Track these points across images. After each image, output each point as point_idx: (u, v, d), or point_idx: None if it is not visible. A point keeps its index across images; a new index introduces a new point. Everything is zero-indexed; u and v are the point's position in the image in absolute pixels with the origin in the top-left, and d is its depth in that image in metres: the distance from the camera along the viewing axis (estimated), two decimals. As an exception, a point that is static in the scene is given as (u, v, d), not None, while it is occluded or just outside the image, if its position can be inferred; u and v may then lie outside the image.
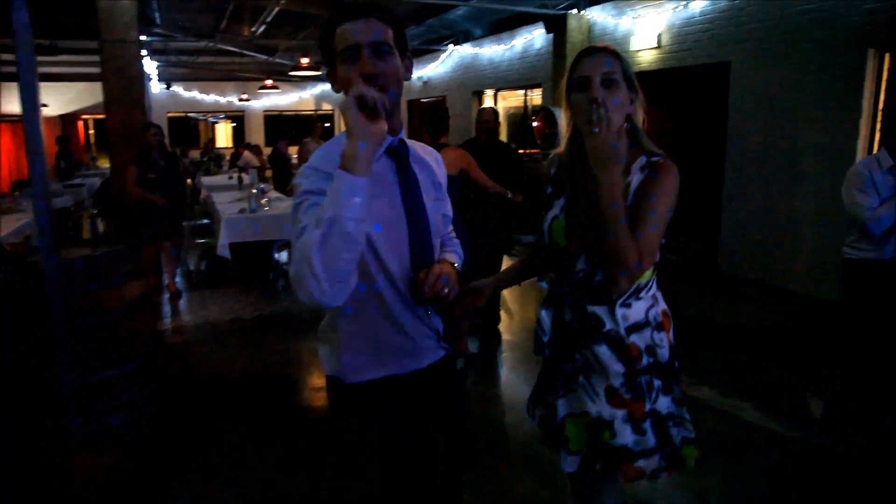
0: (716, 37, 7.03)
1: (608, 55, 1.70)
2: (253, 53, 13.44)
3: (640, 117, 1.75)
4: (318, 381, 4.51)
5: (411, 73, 1.60)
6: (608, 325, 1.71)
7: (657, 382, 1.73)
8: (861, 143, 5.70)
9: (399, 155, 1.60)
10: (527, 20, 10.25)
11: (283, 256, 6.93)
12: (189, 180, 11.21)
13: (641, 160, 1.71)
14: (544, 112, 9.29)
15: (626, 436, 1.71)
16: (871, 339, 3.28)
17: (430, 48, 13.83)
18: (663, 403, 1.74)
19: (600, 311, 1.71)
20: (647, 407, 1.71)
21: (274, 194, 7.76)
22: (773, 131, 6.43)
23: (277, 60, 14.14)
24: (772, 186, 6.48)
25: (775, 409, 3.85)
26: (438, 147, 4.21)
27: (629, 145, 1.73)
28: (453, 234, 1.85)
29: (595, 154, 1.59)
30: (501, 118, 12.77)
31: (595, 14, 8.86)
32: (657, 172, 1.67)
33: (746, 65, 6.67)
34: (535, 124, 9.53)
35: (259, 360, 4.82)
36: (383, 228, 1.50)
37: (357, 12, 1.50)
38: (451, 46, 13.31)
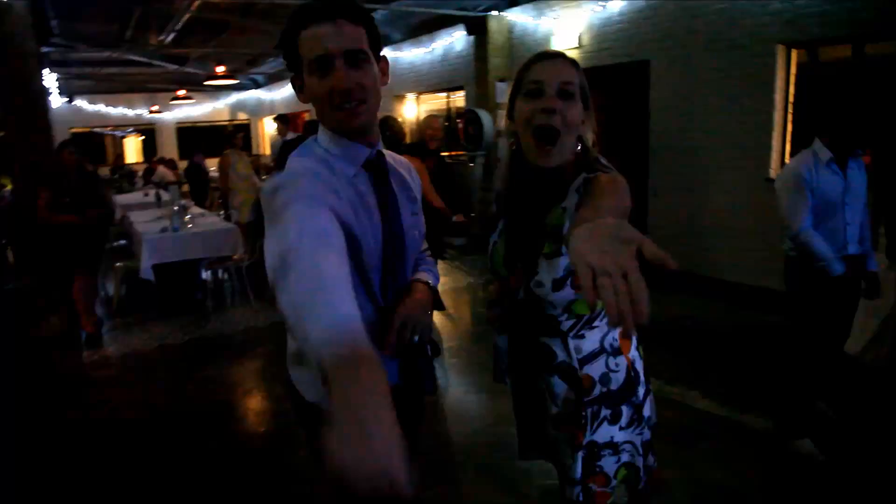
0: (634, 36, 7.22)
1: (568, 63, 1.54)
2: (162, 63, 12.89)
3: (590, 139, 1.57)
4: (257, 406, 4.32)
5: (388, 76, 1.47)
6: (560, 357, 1.62)
7: (605, 412, 1.64)
8: (776, 136, 5.98)
9: (377, 169, 1.48)
10: (447, 23, 10.25)
11: (209, 275, 6.64)
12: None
13: (579, 180, 1.53)
14: (469, 114, 9.32)
15: (565, 457, 1.68)
16: (815, 332, 3.33)
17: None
18: (604, 433, 1.65)
19: (551, 342, 1.62)
20: (586, 438, 1.64)
21: (196, 210, 7.43)
22: (692, 126, 6.66)
23: (189, 70, 13.61)
24: (694, 180, 6.71)
25: (721, 395, 3.97)
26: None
27: (575, 162, 1.57)
28: (428, 252, 1.74)
29: None
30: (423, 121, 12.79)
31: (516, 15, 8.95)
32: (592, 190, 1.43)
33: (665, 63, 6.88)
34: (459, 126, 9.55)
35: (193, 388, 4.57)
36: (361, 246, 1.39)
37: (325, 13, 1.33)
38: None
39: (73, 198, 5.36)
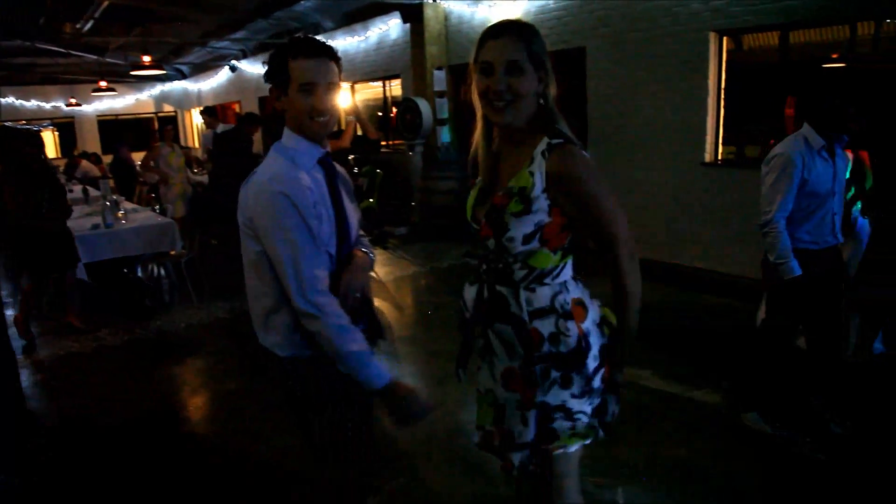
0: (570, 24, 7.32)
1: (512, 39, 1.63)
2: (80, 53, 12.23)
3: (551, 95, 1.70)
4: (205, 405, 4.19)
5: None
6: (513, 307, 1.72)
7: (555, 374, 1.71)
8: (710, 121, 6.18)
9: (328, 166, 1.86)
10: (381, 10, 10.12)
11: (147, 272, 6.36)
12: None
13: (542, 144, 1.68)
14: (407, 103, 9.25)
15: (513, 422, 1.77)
16: (807, 330, 3.22)
17: (279, 42, 13.29)
18: (556, 396, 1.72)
19: (506, 291, 1.74)
20: (538, 398, 1.72)
21: (129, 206, 7.11)
22: (629, 112, 6.81)
23: (110, 60, 12.97)
24: (631, 163, 6.87)
25: (672, 374, 4.09)
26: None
27: (537, 129, 1.70)
28: (364, 235, 2.06)
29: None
30: (361, 111, 12.62)
31: (452, 3, 8.92)
32: (564, 163, 1.63)
33: (601, 50, 7.01)
34: (396, 114, 9.47)
35: (136, 390, 4.38)
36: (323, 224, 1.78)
37: (314, 51, 1.78)
38: (301, 40, 12.88)
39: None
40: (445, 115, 9.13)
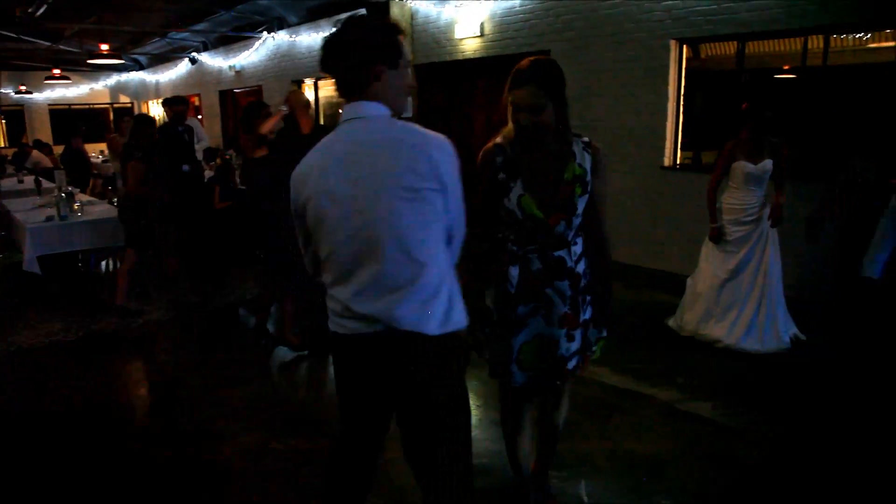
0: (536, 27, 7.42)
1: (534, 88, 2.10)
2: (33, 38, 11.84)
3: (566, 112, 2.20)
4: (162, 402, 4.13)
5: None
6: (569, 263, 2.28)
7: (588, 297, 2.36)
8: (669, 125, 6.35)
9: None
10: (347, 7, 10.06)
11: (102, 266, 6.22)
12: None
13: (577, 143, 2.25)
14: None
15: (563, 347, 2.31)
16: None
17: (241, 35, 13.13)
18: (588, 312, 2.38)
19: (563, 254, 2.28)
20: (581, 318, 2.34)
21: (84, 198, 6.93)
22: (592, 116, 6.94)
23: (64, 47, 12.60)
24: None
25: (629, 370, 4.20)
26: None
27: (559, 129, 2.19)
28: None
29: None
30: (322, 107, 12.53)
31: (418, 2, 8.94)
32: (599, 157, 2.27)
33: (565, 54, 7.12)
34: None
35: (91, 386, 4.28)
36: None
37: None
38: (264, 34, 12.73)
39: None
40: (409, 114, 9.15)
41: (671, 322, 4.94)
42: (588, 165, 2.23)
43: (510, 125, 2.22)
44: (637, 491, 2.94)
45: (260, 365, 4.59)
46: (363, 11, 8.77)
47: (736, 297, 4.56)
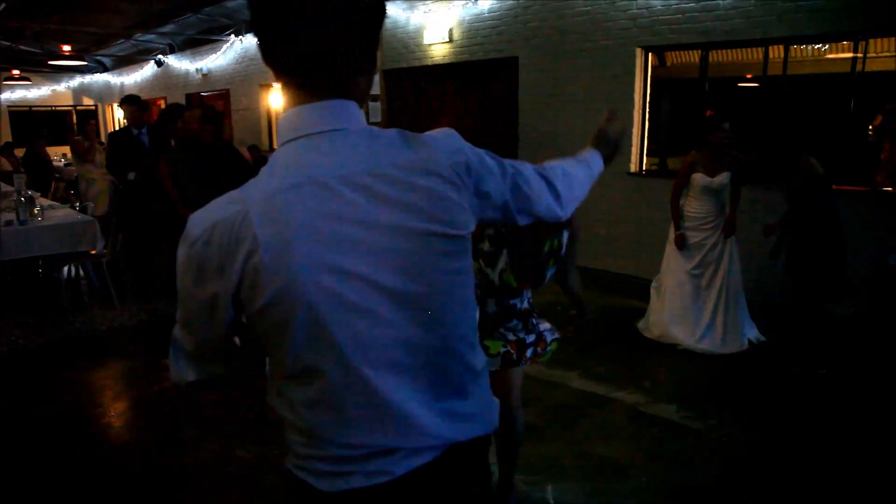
0: (504, 33, 7.47)
1: None
2: (-8, 38, 11.56)
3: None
4: (127, 410, 4.05)
5: None
6: (519, 306, 2.51)
7: (535, 315, 2.60)
8: (635, 132, 6.44)
9: None
10: (316, 11, 10.03)
11: (65, 272, 6.08)
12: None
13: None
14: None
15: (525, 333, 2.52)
16: None
17: (209, 38, 12.97)
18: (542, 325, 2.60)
19: (516, 301, 2.50)
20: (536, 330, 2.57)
21: (45, 202, 6.78)
22: (559, 121, 7.02)
23: (25, 48, 12.31)
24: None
25: (598, 374, 4.25)
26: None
27: None
28: None
29: None
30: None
31: (387, 7, 8.92)
32: (572, 233, 2.39)
33: (533, 60, 7.19)
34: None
35: (54, 394, 4.19)
36: None
37: None
38: (232, 37, 12.61)
39: None
40: (378, 119, 9.13)
41: (640, 324, 5.02)
42: (565, 240, 2.34)
43: None
44: (602, 494, 2.97)
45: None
46: None
47: (695, 299, 4.67)
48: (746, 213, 5.39)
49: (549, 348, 2.62)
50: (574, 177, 1.59)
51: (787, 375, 4.19)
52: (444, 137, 1.18)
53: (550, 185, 1.44)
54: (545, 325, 2.63)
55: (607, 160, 1.72)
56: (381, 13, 1.16)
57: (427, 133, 1.18)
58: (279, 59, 1.06)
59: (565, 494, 2.97)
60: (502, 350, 2.49)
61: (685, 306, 4.69)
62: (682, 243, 4.70)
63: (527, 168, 1.37)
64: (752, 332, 4.74)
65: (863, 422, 3.60)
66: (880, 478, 3.09)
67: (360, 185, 1.04)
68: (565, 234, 2.34)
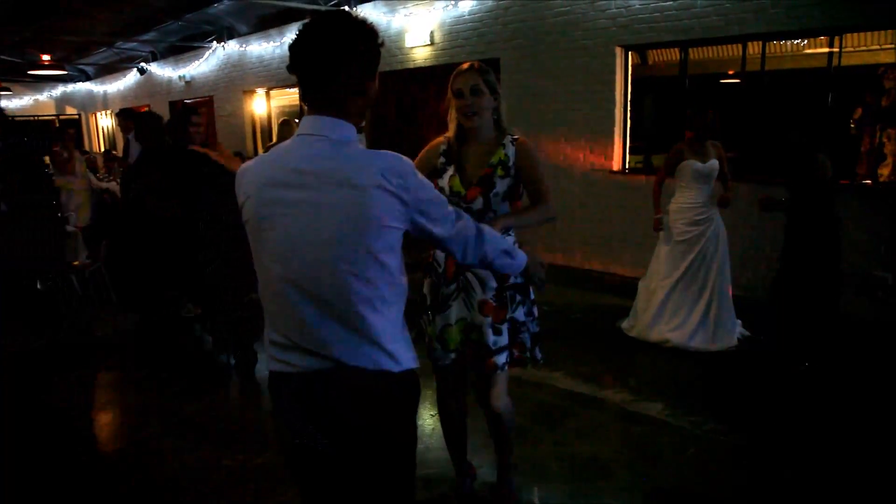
0: (485, 35, 7.49)
1: (475, 73, 2.42)
2: (-29, 49, 11.46)
3: (502, 110, 2.51)
4: (115, 418, 4.02)
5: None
6: None
7: (518, 297, 2.53)
8: (617, 130, 6.47)
9: None
10: (297, 16, 10.01)
11: (48, 282, 6.02)
12: None
13: (507, 138, 2.50)
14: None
15: (488, 337, 2.48)
16: None
17: (191, 45, 12.92)
18: (519, 313, 2.54)
19: None
20: (508, 314, 2.51)
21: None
22: (542, 121, 7.03)
23: (5, 57, 12.20)
24: (546, 173, 7.08)
25: (582, 374, 4.25)
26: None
27: (496, 129, 2.51)
28: None
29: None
30: (274, 117, 12.39)
31: (367, 11, 8.93)
32: (524, 148, 2.48)
33: (514, 61, 7.20)
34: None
35: (43, 401, 4.15)
36: None
37: None
38: (214, 43, 12.56)
39: None
40: (362, 123, 9.11)
41: (624, 324, 5.03)
42: (512, 154, 2.46)
43: (452, 127, 2.53)
44: (588, 493, 2.97)
45: (210, 379, 4.51)
46: (363, 16, 8.73)
47: (687, 296, 4.67)
48: (741, 213, 5.43)
49: (529, 355, 2.60)
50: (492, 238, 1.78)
51: (776, 373, 4.22)
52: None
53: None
54: (528, 332, 2.59)
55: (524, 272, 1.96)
56: (370, 55, 1.52)
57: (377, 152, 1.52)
58: (300, 88, 1.53)
59: (550, 495, 2.97)
60: (459, 348, 2.54)
61: (675, 303, 4.68)
62: (660, 227, 4.75)
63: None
64: (739, 328, 4.76)
65: (854, 421, 3.63)
66: (871, 478, 3.11)
67: (296, 171, 1.49)
68: (513, 150, 2.46)
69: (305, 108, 1.55)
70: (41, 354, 5.02)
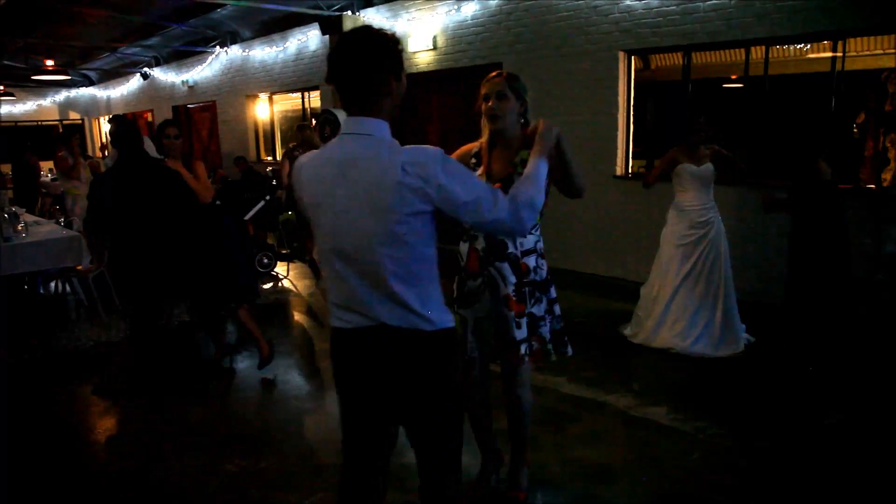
0: (487, 40, 7.50)
1: (501, 80, 2.57)
2: (-26, 54, 11.51)
3: (528, 114, 2.65)
4: (114, 427, 4.02)
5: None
6: (510, 249, 2.62)
7: (537, 294, 2.67)
8: (620, 135, 6.47)
9: None
10: (300, 21, 10.05)
11: (51, 288, 6.03)
12: None
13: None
14: (326, 115, 9.17)
15: (514, 329, 2.61)
16: None
17: (194, 50, 12.97)
18: (538, 309, 2.67)
19: (506, 239, 2.61)
20: (527, 309, 2.64)
21: (30, 218, 6.72)
22: (545, 126, 7.01)
23: (9, 63, 12.25)
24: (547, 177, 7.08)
25: (586, 378, 4.24)
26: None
27: (521, 132, 2.61)
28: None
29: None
30: (277, 122, 12.42)
31: (370, 16, 8.96)
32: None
33: (518, 66, 7.20)
34: (315, 126, 9.36)
35: (41, 411, 4.15)
36: None
37: None
38: (217, 48, 12.60)
39: None
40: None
41: (626, 330, 5.01)
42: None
43: (485, 132, 2.66)
44: (592, 498, 2.96)
45: (211, 384, 4.50)
46: (366, 21, 8.74)
47: (690, 301, 4.65)
48: (740, 215, 5.43)
49: (551, 347, 2.71)
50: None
51: (780, 378, 4.20)
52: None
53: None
54: (547, 327, 2.70)
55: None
56: (393, 61, 1.77)
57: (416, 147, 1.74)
58: (339, 95, 1.77)
59: (553, 501, 2.95)
60: (492, 341, 2.68)
61: (679, 308, 4.67)
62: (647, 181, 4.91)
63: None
64: (743, 333, 4.74)
65: (857, 424, 3.61)
66: (878, 483, 3.09)
67: (339, 164, 1.75)
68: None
69: (344, 110, 1.80)
70: (40, 362, 5.02)
